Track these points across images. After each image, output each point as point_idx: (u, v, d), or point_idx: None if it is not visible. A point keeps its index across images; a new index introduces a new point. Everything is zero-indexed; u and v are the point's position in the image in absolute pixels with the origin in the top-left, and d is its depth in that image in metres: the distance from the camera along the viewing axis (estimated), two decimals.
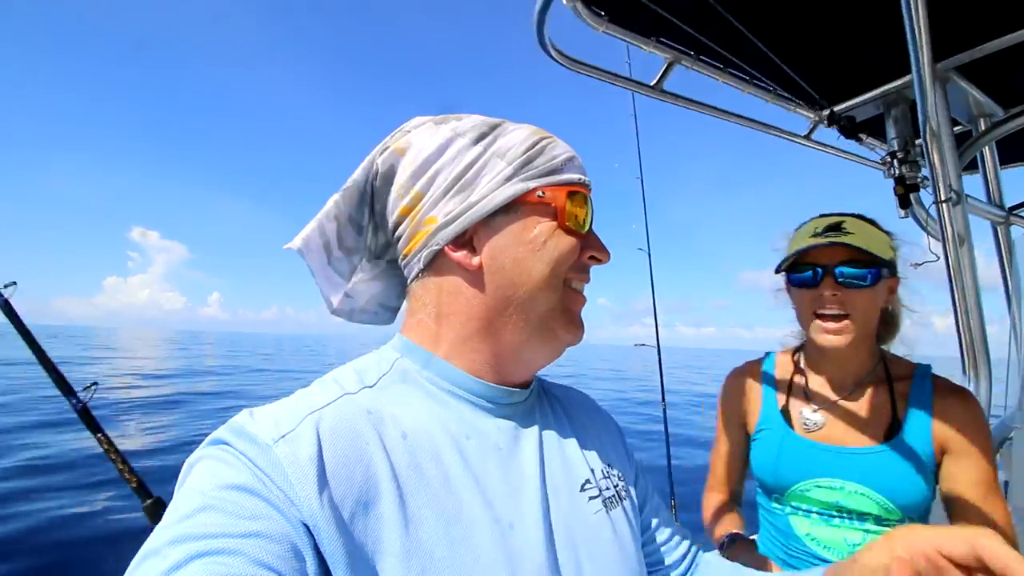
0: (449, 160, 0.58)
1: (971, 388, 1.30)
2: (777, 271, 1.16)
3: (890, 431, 1.07)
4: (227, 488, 0.42)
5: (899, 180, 1.50)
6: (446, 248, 0.58)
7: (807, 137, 1.68)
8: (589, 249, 0.62)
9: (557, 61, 1.12)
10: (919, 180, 1.48)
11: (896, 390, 1.11)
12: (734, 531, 1.18)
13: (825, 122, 1.56)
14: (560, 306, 0.60)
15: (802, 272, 1.09)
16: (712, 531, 1.25)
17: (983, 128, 1.57)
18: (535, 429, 0.63)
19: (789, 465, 1.13)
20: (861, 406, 1.12)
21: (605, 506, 0.63)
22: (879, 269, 1.04)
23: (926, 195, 1.50)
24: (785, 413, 1.18)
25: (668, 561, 0.73)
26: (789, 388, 1.21)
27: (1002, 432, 1.76)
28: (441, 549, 0.47)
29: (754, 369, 1.30)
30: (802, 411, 1.16)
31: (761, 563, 1.08)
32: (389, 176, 0.61)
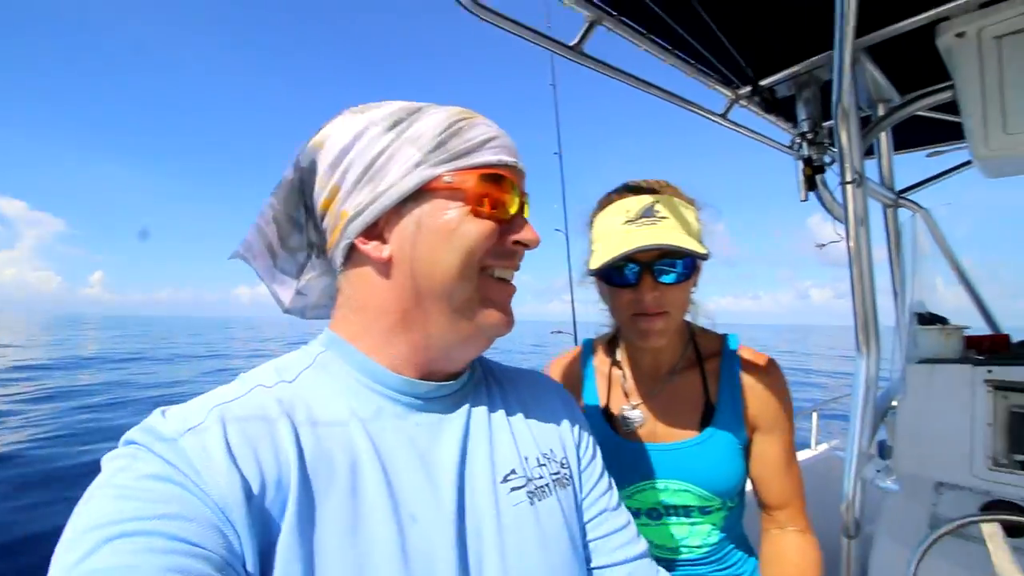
0: (361, 151, 0.56)
1: (863, 362, 1.34)
2: (592, 273, 1.03)
3: (705, 418, 1.06)
4: (139, 478, 0.41)
5: (807, 161, 1.52)
6: (356, 241, 0.57)
7: (723, 116, 1.67)
8: (512, 234, 0.60)
9: (467, 8, 0.97)
10: (824, 162, 1.51)
11: (707, 370, 1.10)
12: None
13: (743, 100, 1.55)
14: (478, 296, 0.58)
15: (615, 268, 0.99)
16: None
17: (881, 113, 1.64)
18: (462, 420, 0.61)
19: (614, 471, 1.09)
20: (676, 395, 1.09)
21: (530, 497, 0.61)
22: (694, 259, 0.98)
23: (828, 177, 1.53)
24: (607, 413, 1.14)
25: (611, 560, 0.67)
26: (608, 383, 1.17)
27: (885, 401, 1.90)
28: (336, 539, 0.46)
29: (574, 363, 1.24)
30: (622, 408, 1.12)
31: None
32: (312, 171, 0.60)
